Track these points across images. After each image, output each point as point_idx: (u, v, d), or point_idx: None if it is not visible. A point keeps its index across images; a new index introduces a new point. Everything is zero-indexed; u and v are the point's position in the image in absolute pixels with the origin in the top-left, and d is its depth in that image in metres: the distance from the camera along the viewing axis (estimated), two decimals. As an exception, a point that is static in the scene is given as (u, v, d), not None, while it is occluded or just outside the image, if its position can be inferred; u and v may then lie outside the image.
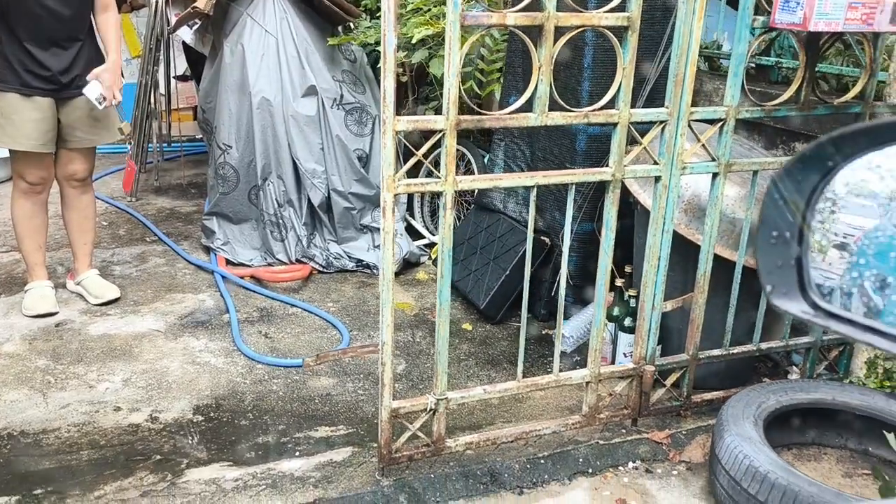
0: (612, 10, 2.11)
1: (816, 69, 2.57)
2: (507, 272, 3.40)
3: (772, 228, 0.71)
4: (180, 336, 3.28)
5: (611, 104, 2.23)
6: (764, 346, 2.75)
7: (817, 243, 0.70)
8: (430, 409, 2.31)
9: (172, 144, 6.00)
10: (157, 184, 5.46)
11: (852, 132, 0.66)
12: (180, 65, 5.85)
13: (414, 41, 3.70)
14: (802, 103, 2.46)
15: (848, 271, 0.70)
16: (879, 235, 0.68)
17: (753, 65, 3.37)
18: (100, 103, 3.19)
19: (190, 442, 2.54)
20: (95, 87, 3.16)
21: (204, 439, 2.56)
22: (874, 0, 2.19)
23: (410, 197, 4.49)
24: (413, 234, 4.36)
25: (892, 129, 0.64)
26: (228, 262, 4.04)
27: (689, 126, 2.34)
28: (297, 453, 2.50)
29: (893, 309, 0.66)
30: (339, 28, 4.45)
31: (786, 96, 2.43)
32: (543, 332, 3.39)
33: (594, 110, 2.23)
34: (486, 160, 3.97)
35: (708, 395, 2.72)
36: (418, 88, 4.49)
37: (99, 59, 3.29)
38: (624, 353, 2.86)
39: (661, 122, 2.32)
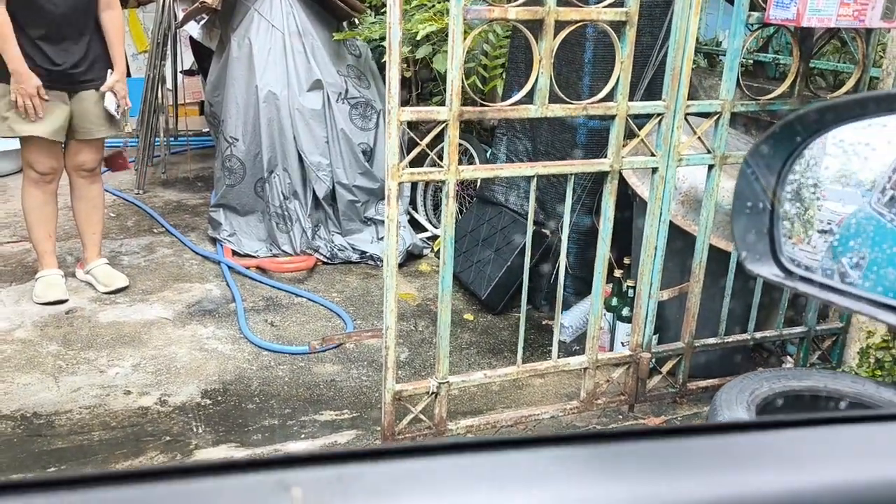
0: (610, 6, 2.17)
1: (811, 65, 2.63)
2: (509, 263, 3.47)
3: (746, 200, 0.77)
4: (188, 324, 3.35)
5: (610, 97, 2.29)
6: (758, 335, 2.81)
7: (786, 213, 0.77)
8: (432, 393, 2.38)
9: (179, 138, 6.07)
10: (165, 177, 5.53)
11: (818, 110, 0.72)
12: (187, 59, 5.92)
13: (419, 37, 3.76)
14: (796, 98, 2.52)
15: (815, 237, 0.76)
16: (844, 205, 0.74)
17: (752, 61, 3.43)
18: (117, 112, 3.44)
19: (198, 424, 2.61)
20: (111, 99, 3.40)
21: (212, 422, 2.63)
22: (866, -3, 2.25)
23: (414, 190, 4.56)
24: (416, 227, 4.43)
25: (851, 106, 0.71)
26: (235, 252, 4.11)
27: (686, 119, 2.40)
28: (303, 435, 2.57)
29: (855, 271, 0.73)
30: (345, 23, 4.51)
31: (780, 91, 2.50)
32: (544, 323, 3.46)
33: (593, 103, 2.29)
34: (488, 155, 4.03)
35: (703, 383, 2.78)
36: (422, 84, 4.55)
37: (105, 55, 3.39)
38: (622, 343, 2.93)
39: (659, 114, 2.38)
